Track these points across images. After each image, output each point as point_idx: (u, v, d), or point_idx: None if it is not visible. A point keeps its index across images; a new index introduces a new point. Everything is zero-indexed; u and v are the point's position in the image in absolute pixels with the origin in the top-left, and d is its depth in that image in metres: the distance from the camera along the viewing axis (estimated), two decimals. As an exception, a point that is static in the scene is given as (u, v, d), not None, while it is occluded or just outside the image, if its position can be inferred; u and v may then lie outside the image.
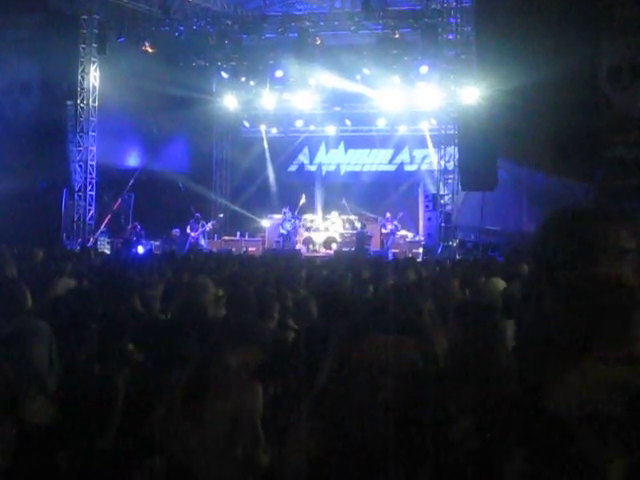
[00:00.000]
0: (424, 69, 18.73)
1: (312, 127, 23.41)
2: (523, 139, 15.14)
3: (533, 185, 16.31)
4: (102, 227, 19.22)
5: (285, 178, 23.96)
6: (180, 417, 2.87)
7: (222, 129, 24.15)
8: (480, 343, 2.75)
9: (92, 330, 3.70)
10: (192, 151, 22.94)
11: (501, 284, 6.03)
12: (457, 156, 16.74)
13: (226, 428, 2.82)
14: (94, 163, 18.76)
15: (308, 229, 20.57)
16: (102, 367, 3.44)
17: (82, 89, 18.53)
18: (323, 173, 24.39)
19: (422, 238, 19.28)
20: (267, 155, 23.93)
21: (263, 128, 23.59)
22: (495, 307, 3.41)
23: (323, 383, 2.16)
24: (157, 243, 19.69)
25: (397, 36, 17.69)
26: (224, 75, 21.15)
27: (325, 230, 20.51)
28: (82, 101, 18.53)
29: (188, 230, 19.31)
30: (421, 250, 18.24)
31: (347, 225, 20.59)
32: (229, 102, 22.38)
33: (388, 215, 19.66)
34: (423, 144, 22.77)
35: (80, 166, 18.54)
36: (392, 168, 23.83)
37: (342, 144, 24.13)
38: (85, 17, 18.38)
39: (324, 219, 21.19)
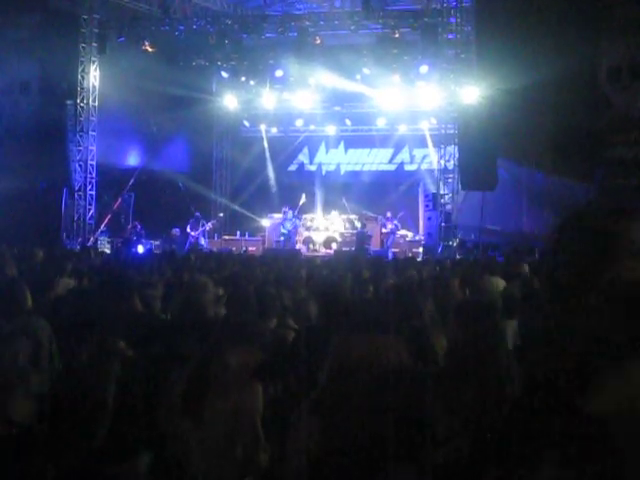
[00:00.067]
0: (424, 69, 18.72)
1: (312, 127, 23.38)
2: (523, 139, 15.13)
3: (533, 185, 16.30)
4: (102, 227, 19.21)
5: (285, 178, 23.95)
6: (180, 417, 2.87)
7: (222, 129, 24.13)
8: (480, 343, 2.75)
9: (92, 330, 3.69)
10: (192, 151, 22.92)
11: (501, 284, 6.04)
12: (457, 155, 16.74)
13: (226, 428, 2.82)
14: (94, 163, 18.74)
15: (308, 229, 20.55)
16: (92, 366, 3.43)
17: (82, 89, 18.51)
18: (323, 173, 24.36)
19: (422, 237, 19.26)
20: (267, 155, 23.91)
21: (263, 128, 23.58)
22: (495, 307, 3.41)
23: (323, 383, 2.16)
24: (157, 243, 19.68)
25: (397, 36, 17.68)
26: (224, 75, 21.14)
27: (325, 230, 20.48)
28: (82, 101, 18.51)
29: (188, 230, 19.31)
30: (421, 249, 18.23)
31: (347, 225, 20.56)
32: (229, 102, 22.38)
33: (388, 214, 19.65)
34: (423, 144, 22.74)
35: (80, 166, 18.52)
36: (392, 168, 23.79)
37: (342, 144, 24.09)
38: (85, 17, 18.36)
39: (324, 219, 21.17)
